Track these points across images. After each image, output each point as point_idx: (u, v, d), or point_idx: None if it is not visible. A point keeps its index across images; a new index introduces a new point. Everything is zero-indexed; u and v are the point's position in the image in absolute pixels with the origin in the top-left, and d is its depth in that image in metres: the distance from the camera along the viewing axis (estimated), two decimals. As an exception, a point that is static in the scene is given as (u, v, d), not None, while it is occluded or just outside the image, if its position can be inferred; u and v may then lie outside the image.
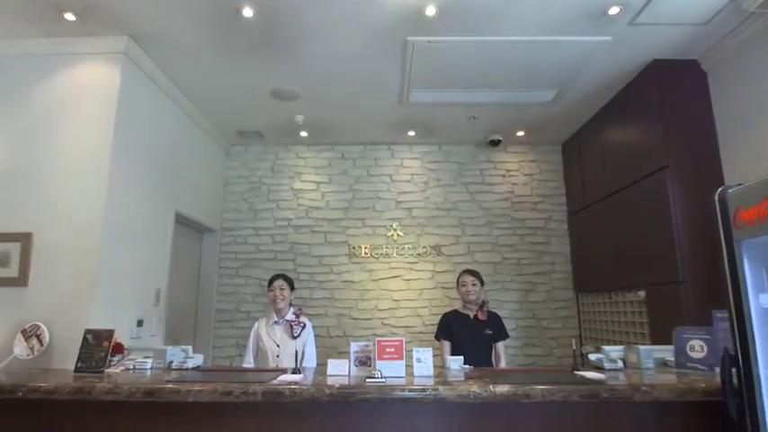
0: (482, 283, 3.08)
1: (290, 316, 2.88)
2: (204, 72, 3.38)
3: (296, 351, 2.25)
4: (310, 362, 2.81)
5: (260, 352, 2.85)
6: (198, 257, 4.52)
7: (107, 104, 2.87)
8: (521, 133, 4.58)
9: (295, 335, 2.76)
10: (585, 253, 4.33)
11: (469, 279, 3.03)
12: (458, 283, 3.11)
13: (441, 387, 1.80)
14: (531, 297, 4.57)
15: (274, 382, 1.89)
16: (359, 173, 4.83)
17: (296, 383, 1.84)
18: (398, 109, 4.01)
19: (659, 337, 3.06)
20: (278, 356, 2.76)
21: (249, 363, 2.85)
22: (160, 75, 3.33)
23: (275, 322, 2.88)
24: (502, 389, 1.78)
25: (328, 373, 2.09)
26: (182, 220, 3.89)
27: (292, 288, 2.97)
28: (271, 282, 2.94)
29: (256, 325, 2.94)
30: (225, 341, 4.49)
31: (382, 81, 3.53)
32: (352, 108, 4.02)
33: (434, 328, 3.13)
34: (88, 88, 2.90)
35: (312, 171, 4.84)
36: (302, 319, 2.87)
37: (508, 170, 4.83)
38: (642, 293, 3.36)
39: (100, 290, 2.69)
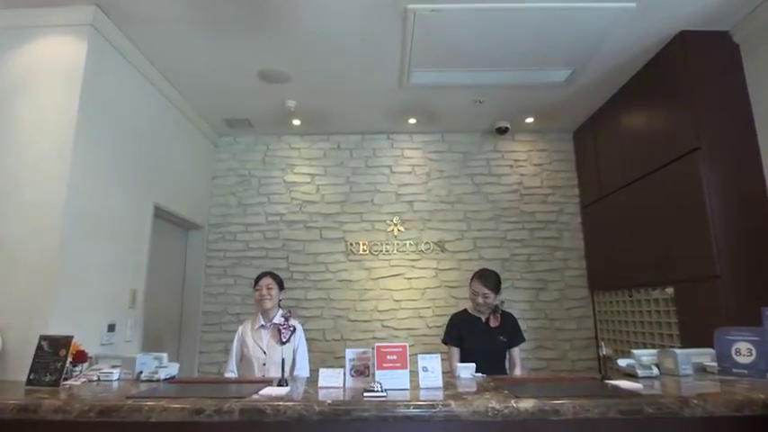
0: (498, 290, 2.63)
1: (278, 319, 2.60)
2: (184, 48, 3.07)
3: (282, 360, 1.94)
4: (303, 371, 2.54)
5: (244, 359, 2.55)
6: (182, 256, 4.22)
7: (71, 83, 2.55)
8: (530, 120, 4.29)
9: (284, 340, 2.47)
10: (601, 248, 4.03)
11: (481, 290, 2.57)
12: (470, 285, 2.72)
13: (453, 402, 1.52)
14: (543, 296, 4.28)
15: (255, 396, 1.62)
16: (356, 164, 4.54)
17: (280, 399, 1.57)
18: (398, 93, 3.71)
19: (691, 340, 2.77)
20: (264, 365, 2.47)
21: (232, 371, 2.55)
22: (134, 51, 3.02)
23: (262, 326, 2.59)
24: (526, 404, 1.50)
25: (320, 385, 1.83)
26: (163, 215, 3.58)
27: (281, 287, 2.69)
28: (257, 280, 2.66)
29: (241, 329, 2.65)
30: (212, 346, 4.19)
31: (380, 59, 3.22)
32: (347, 92, 3.72)
33: (439, 331, 2.83)
34: (49, 65, 2.58)
35: (306, 162, 4.55)
36: (292, 322, 2.57)
37: (516, 160, 4.54)
38: (670, 290, 3.05)
39: (62, 290, 2.39)
